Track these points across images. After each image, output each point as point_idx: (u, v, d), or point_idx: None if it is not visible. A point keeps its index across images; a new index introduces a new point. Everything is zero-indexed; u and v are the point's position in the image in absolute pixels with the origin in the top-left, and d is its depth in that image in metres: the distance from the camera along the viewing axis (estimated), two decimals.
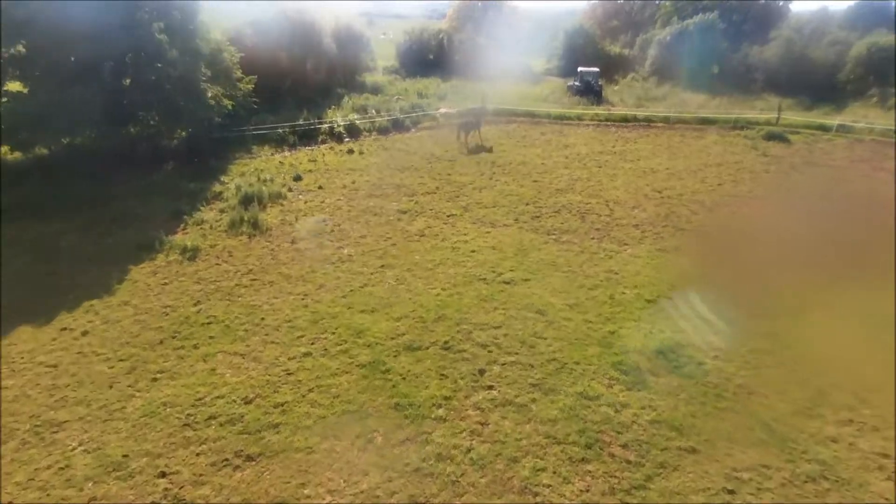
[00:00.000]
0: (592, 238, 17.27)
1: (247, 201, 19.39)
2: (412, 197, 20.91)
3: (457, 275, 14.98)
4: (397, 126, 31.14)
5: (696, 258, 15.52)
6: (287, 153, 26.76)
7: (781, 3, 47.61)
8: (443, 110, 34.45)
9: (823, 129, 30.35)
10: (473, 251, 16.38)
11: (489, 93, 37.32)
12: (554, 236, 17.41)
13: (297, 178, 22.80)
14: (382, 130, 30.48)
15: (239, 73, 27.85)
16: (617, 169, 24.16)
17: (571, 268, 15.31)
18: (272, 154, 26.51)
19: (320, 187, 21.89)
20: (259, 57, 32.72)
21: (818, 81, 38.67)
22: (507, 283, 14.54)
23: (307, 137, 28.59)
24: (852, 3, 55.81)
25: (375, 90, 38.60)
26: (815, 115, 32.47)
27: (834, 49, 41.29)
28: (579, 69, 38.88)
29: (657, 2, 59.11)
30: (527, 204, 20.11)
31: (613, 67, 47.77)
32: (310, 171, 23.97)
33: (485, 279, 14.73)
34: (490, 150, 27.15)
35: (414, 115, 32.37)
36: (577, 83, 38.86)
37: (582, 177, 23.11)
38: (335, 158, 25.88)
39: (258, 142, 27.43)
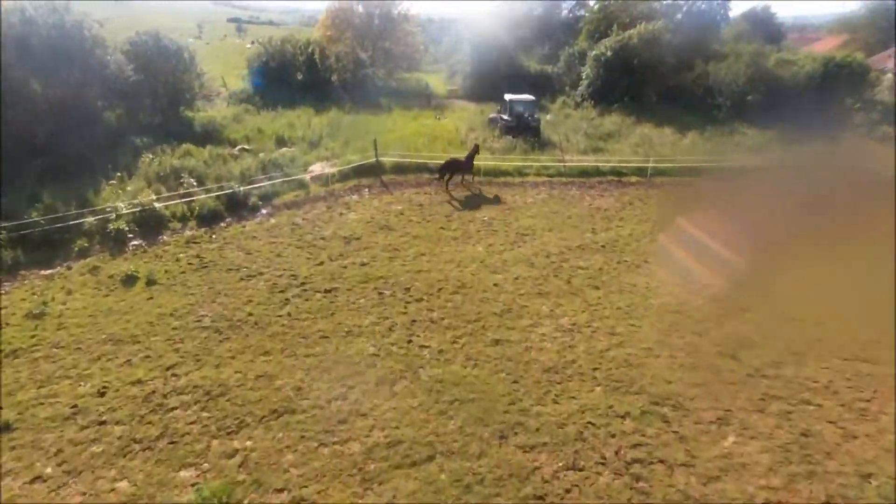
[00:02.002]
0: None
1: None
2: (237, 434, 9.37)
3: None
4: (236, 206, 19.13)
5: None
6: None
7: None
8: (316, 169, 22.96)
9: None
10: None
11: (379, 133, 26.61)
12: None
13: None
14: (208, 218, 18.31)
15: None
16: (624, 292, 14.37)
17: None
18: None
19: (7, 425, 9.53)
20: None
21: (788, 105, 32.71)
22: None
23: (50, 247, 15.73)
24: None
25: (208, 135, 26.05)
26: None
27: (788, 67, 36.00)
28: (507, 97, 29.38)
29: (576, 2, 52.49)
30: (501, 435, 9.42)
31: (537, 88, 39.20)
32: (15, 351, 11.43)
33: None
34: (497, 200, 20.93)
35: (267, 183, 20.49)
36: (504, 116, 29.31)
37: (579, 321, 12.95)
38: (90, 302, 13.44)
39: None
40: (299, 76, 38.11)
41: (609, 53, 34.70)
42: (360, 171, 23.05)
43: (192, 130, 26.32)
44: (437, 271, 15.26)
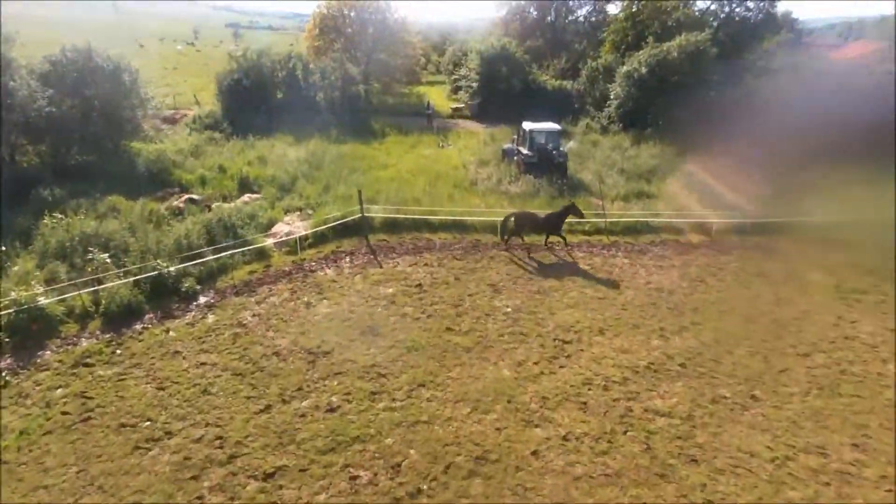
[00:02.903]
0: None
1: None
2: None
3: None
4: (163, 293, 14.03)
5: None
6: None
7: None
8: (283, 229, 17.93)
9: None
10: None
11: (370, 170, 21.89)
12: None
13: None
14: (119, 316, 13.16)
15: None
16: (740, 470, 9.23)
17: None
18: None
19: None
20: None
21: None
22: None
23: None
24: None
25: (154, 177, 21.10)
26: None
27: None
28: (526, 126, 24.35)
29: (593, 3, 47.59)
30: None
31: (555, 108, 34.24)
32: None
33: None
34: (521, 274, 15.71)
35: (211, 258, 15.34)
36: (522, 149, 24.26)
37: None
38: None
39: None
40: (279, 95, 33.19)
41: (643, 69, 29.72)
42: (342, 231, 17.99)
43: (133, 171, 21.32)
44: (444, 423, 10.14)
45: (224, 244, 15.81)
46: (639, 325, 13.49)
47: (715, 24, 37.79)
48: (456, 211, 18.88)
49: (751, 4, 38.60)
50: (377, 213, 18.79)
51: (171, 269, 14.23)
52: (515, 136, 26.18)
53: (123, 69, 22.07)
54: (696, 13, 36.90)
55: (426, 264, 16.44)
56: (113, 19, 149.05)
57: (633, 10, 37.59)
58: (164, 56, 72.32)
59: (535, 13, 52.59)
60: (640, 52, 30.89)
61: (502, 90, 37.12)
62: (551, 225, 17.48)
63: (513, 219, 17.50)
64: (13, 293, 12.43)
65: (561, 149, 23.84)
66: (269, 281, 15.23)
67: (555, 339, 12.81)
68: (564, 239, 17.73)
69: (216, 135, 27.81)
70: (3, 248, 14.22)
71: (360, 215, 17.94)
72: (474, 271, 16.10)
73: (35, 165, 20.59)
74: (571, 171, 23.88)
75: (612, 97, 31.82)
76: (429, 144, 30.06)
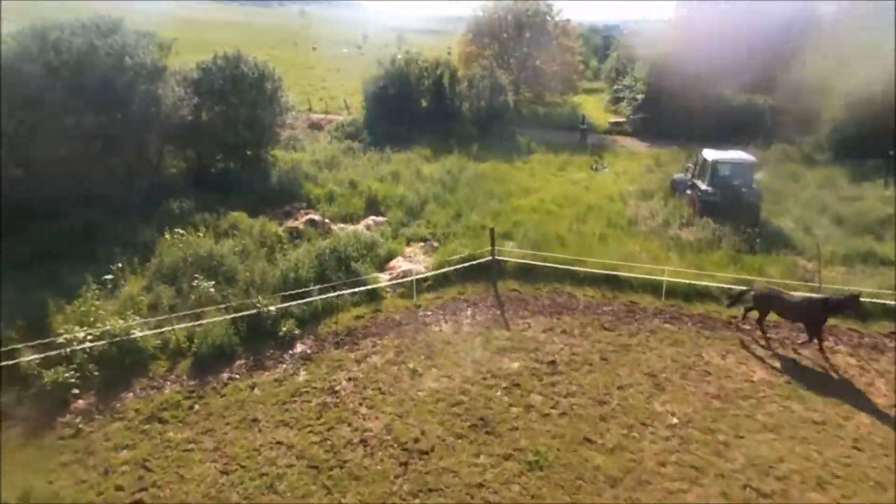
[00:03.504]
0: None
1: None
2: None
3: None
4: (259, 336, 12.56)
5: None
6: None
7: None
8: (403, 262, 15.89)
9: None
10: None
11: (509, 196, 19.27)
12: None
13: None
14: (209, 358, 11.87)
15: None
16: None
17: None
18: None
19: None
20: None
21: None
22: None
23: None
24: None
25: (284, 189, 20.47)
26: None
27: None
28: (707, 155, 19.68)
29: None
30: None
31: (739, 129, 28.55)
32: None
33: None
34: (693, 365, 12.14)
35: (317, 298, 13.60)
36: (700, 183, 19.65)
37: None
38: None
39: None
40: (423, 103, 31.82)
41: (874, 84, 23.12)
42: (467, 272, 15.40)
43: (267, 182, 20.89)
44: None
45: (334, 281, 14.07)
46: (884, 483, 8.96)
47: None
48: (608, 263, 15.25)
49: None
50: (511, 254, 15.91)
51: (272, 308, 12.75)
52: (689, 165, 21.61)
53: (267, 76, 21.85)
54: None
55: (564, 331, 13.18)
56: (298, 23, 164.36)
57: None
58: (330, 59, 76.52)
59: (715, 13, 45.82)
60: None
61: (673, 105, 32.02)
62: (808, 316, 12.30)
63: (752, 293, 13.11)
64: (109, 323, 11.69)
65: (753, 186, 18.87)
66: (374, 332, 13.12)
67: (745, 487, 8.88)
68: (818, 340, 12.39)
69: (355, 144, 27.07)
70: (120, 265, 13.85)
71: (489, 257, 15.19)
72: (628, 350, 12.49)
73: (181, 171, 21.10)
74: (763, 215, 18.84)
75: (824, 118, 25.45)
76: (580, 166, 26.47)
